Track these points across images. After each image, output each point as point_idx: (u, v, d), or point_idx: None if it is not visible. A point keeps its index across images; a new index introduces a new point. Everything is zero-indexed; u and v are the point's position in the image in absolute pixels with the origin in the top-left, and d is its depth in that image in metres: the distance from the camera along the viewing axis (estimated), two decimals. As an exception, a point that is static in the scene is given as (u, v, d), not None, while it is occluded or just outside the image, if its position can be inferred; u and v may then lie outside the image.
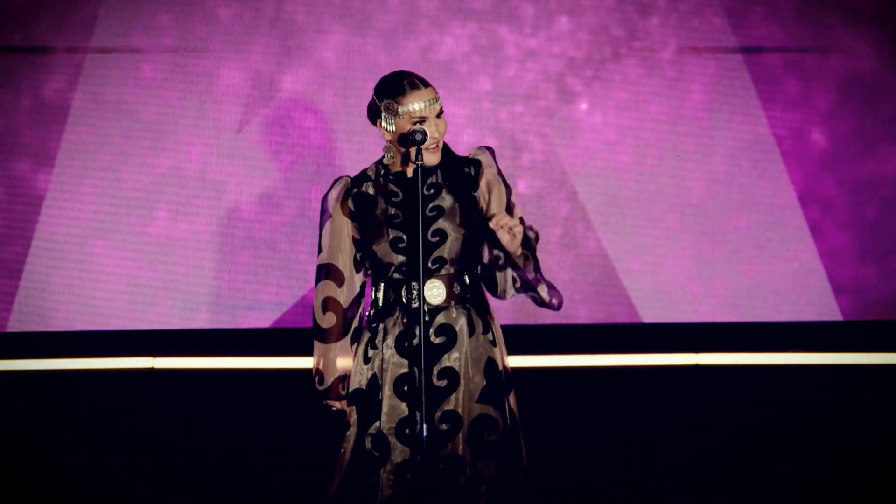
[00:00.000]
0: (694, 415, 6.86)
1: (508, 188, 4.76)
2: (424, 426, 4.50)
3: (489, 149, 4.79)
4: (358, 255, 4.74)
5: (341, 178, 4.79)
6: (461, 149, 4.86)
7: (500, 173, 4.76)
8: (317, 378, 4.73)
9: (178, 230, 6.99)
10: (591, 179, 6.98)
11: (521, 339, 6.88)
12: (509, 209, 4.72)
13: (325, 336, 4.72)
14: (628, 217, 6.99)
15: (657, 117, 7.00)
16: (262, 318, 6.98)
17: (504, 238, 4.54)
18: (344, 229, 4.74)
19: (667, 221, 6.95)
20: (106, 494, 6.89)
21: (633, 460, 6.81)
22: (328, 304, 4.74)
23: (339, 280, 4.74)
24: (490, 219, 4.58)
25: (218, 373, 6.95)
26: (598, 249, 6.91)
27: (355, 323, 4.75)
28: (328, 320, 4.73)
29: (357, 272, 4.76)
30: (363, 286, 4.78)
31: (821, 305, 6.97)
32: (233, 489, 6.87)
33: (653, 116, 7.00)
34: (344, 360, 4.72)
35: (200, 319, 6.98)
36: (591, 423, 6.88)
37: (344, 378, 4.71)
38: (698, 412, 6.86)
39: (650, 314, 6.96)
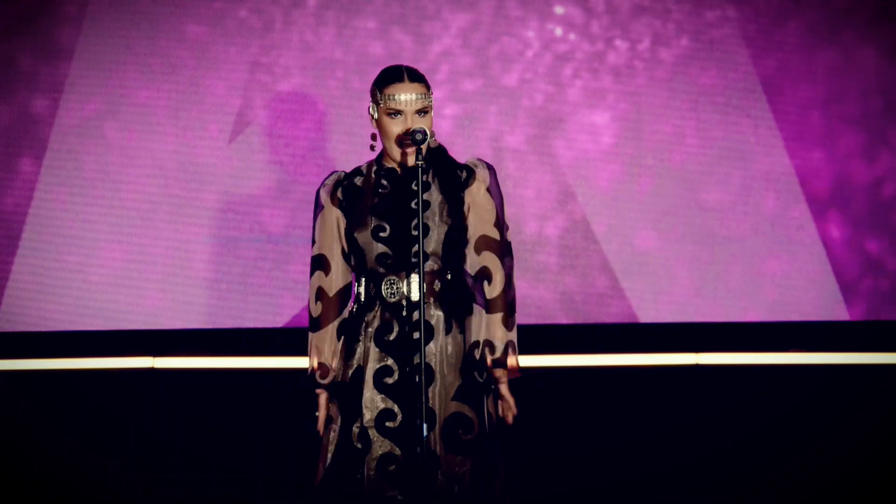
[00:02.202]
0: (694, 415, 6.86)
1: (501, 205, 4.76)
2: (425, 424, 4.51)
3: (490, 166, 4.79)
4: (347, 246, 4.76)
5: (335, 171, 4.83)
6: (456, 150, 4.87)
7: (490, 189, 4.75)
8: (309, 369, 4.74)
9: (178, 230, 6.99)
10: (590, 180, 6.97)
11: (520, 339, 6.88)
12: (498, 226, 4.73)
13: (317, 325, 4.74)
14: (628, 217, 6.98)
15: (659, 118, 6.99)
16: (263, 319, 6.98)
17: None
18: (335, 221, 4.77)
19: (667, 221, 6.95)
20: (106, 494, 6.89)
21: (633, 460, 6.81)
22: (320, 294, 4.76)
23: (328, 269, 4.76)
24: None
25: (218, 373, 6.95)
26: (597, 250, 6.90)
27: (345, 314, 4.76)
28: (318, 309, 4.74)
29: (348, 263, 4.78)
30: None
31: (823, 305, 6.96)
32: (233, 489, 6.87)
33: (655, 117, 6.99)
34: (326, 347, 4.72)
35: (200, 319, 6.98)
36: (591, 424, 6.87)
37: (323, 365, 4.71)
38: (698, 412, 6.86)
39: (649, 314, 6.96)
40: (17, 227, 7.01)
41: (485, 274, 4.70)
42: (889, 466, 6.81)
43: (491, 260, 4.70)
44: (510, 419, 4.70)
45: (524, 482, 6.84)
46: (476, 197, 4.73)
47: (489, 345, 4.67)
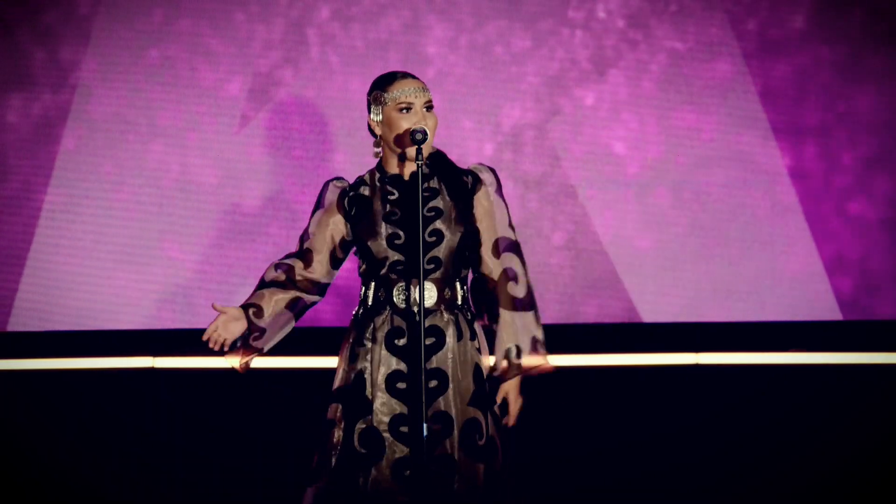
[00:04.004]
0: (694, 415, 6.86)
1: (507, 207, 4.77)
2: (425, 426, 4.51)
3: (493, 170, 4.80)
4: (340, 252, 4.76)
5: (341, 177, 4.81)
6: (459, 151, 4.87)
7: (499, 192, 4.77)
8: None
9: (178, 230, 6.99)
10: (592, 180, 6.98)
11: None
12: (511, 227, 4.75)
13: (262, 282, 4.72)
14: (629, 217, 6.99)
15: (661, 118, 6.99)
16: (262, 318, 6.97)
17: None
18: (332, 225, 4.75)
19: (667, 221, 6.95)
20: (106, 494, 6.89)
21: (633, 460, 6.81)
22: (283, 267, 4.74)
23: (308, 262, 4.75)
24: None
25: (218, 373, 6.95)
26: (598, 250, 6.91)
27: (307, 301, 4.74)
28: (272, 273, 4.73)
29: (332, 268, 4.77)
30: (328, 285, 4.79)
31: (821, 305, 6.97)
32: (233, 489, 6.88)
33: (657, 118, 6.99)
34: (267, 298, 4.69)
35: (200, 319, 6.98)
36: (591, 423, 6.87)
37: (257, 305, 4.68)
38: (698, 412, 6.86)
39: (650, 314, 6.96)
40: (30, 230, 7.02)
41: (509, 275, 4.70)
42: (889, 466, 6.82)
43: (513, 260, 4.72)
44: (513, 420, 4.72)
45: (524, 482, 6.83)
46: (486, 202, 4.73)
47: (518, 347, 4.68)
